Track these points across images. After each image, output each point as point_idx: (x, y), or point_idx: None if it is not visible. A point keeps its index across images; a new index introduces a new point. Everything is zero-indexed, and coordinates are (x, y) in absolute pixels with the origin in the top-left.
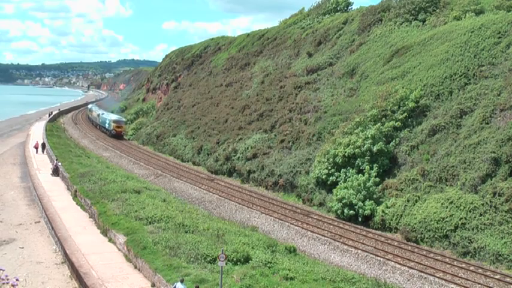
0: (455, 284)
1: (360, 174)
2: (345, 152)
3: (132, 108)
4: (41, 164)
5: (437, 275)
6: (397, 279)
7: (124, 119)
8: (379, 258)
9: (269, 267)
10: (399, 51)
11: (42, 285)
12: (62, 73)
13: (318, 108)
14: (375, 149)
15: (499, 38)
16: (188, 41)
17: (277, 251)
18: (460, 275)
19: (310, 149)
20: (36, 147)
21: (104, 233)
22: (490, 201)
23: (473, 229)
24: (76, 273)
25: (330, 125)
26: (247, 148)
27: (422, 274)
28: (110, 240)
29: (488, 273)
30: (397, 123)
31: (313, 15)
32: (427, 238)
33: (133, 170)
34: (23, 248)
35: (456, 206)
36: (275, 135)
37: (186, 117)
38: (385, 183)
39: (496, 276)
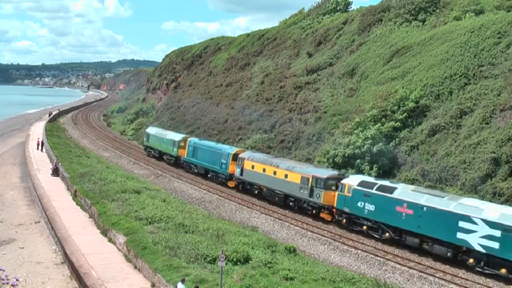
0: (455, 284)
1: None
2: (345, 152)
3: (132, 108)
4: (41, 164)
5: (437, 275)
6: (397, 279)
7: None
8: (379, 258)
9: (269, 267)
10: (399, 51)
11: (42, 285)
12: (61, 73)
13: (318, 108)
14: (375, 149)
15: (499, 38)
16: (187, 41)
17: (277, 251)
18: (460, 275)
19: (310, 149)
20: (38, 144)
21: (104, 233)
22: (490, 202)
23: None
24: (76, 273)
25: (330, 125)
26: (247, 148)
27: (422, 274)
28: (110, 240)
29: (488, 273)
30: (397, 123)
31: (313, 15)
32: None
33: (133, 170)
34: (23, 248)
35: None
36: (275, 135)
37: (186, 117)
38: None
39: (496, 277)
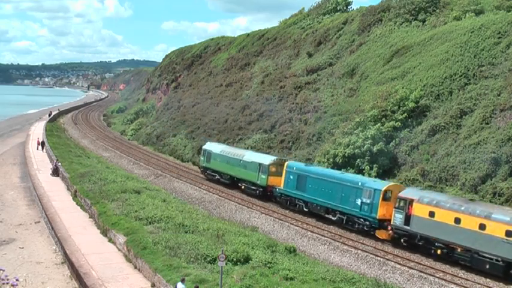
0: (455, 284)
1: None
2: (345, 152)
3: (132, 108)
4: (41, 164)
5: (437, 275)
6: (397, 279)
7: None
8: (379, 258)
9: (269, 267)
10: (399, 51)
11: (42, 285)
12: (61, 73)
13: (318, 108)
14: (375, 149)
15: (499, 38)
16: (187, 41)
17: (277, 251)
18: (460, 275)
19: (310, 149)
20: (38, 144)
21: (104, 233)
22: (490, 202)
23: None
24: (76, 273)
25: (330, 125)
26: (247, 148)
27: (422, 274)
28: (110, 240)
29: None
30: (397, 123)
31: (313, 15)
32: None
33: (133, 170)
34: (23, 248)
35: None
36: (275, 135)
37: (186, 117)
38: None
39: (496, 277)
